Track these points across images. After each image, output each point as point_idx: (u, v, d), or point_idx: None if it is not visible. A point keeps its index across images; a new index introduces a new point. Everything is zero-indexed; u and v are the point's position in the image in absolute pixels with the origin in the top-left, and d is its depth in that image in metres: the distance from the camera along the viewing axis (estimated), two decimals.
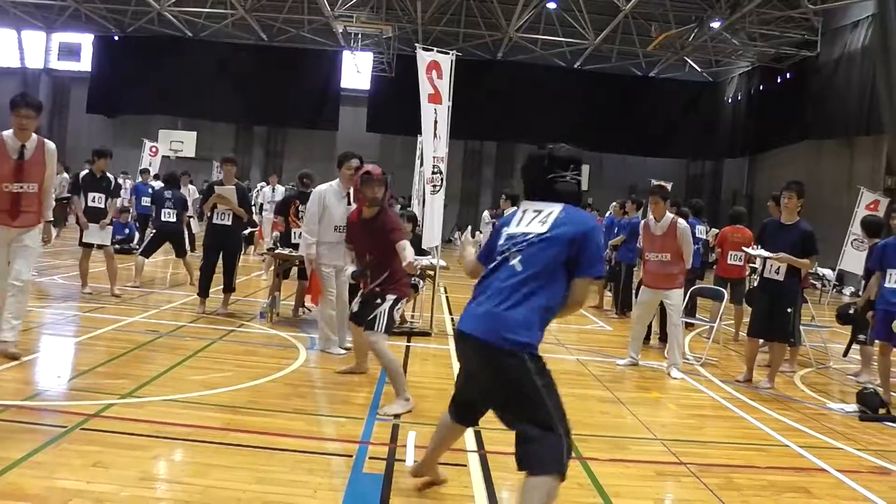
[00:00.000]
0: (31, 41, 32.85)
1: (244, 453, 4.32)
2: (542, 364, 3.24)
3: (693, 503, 4.18)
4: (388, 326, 5.70)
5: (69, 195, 11.04)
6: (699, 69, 30.22)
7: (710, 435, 5.65)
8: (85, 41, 32.51)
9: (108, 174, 10.13)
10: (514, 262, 3.28)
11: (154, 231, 12.12)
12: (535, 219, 3.40)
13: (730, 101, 29.74)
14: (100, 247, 10.06)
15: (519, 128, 28.94)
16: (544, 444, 3.11)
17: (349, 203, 7.24)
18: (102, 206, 9.96)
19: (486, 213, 25.29)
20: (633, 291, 10.40)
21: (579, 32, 26.80)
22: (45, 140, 6.33)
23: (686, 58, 28.38)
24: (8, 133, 6.10)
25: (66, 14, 30.76)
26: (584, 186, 29.46)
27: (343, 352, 7.31)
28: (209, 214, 9.28)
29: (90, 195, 9.89)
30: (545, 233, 3.30)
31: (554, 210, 3.39)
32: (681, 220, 7.88)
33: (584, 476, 4.38)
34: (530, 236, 3.32)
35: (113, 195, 10.13)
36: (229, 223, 9.21)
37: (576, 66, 30.36)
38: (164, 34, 30.70)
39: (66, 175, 19.32)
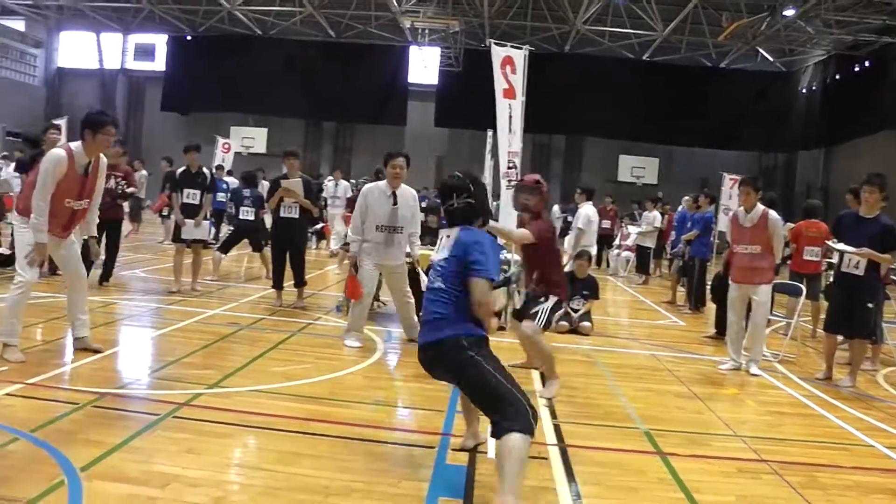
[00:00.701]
0: (109, 43, 33.94)
1: (328, 443, 4.44)
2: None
3: (776, 500, 4.14)
4: (546, 324, 6.04)
5: (154, 192, 11.33)
6: (771, 59, 29.50)
7: (790, 433, 5.56)
8: (159, 42, 33.48)
9: (204, 169, 10.27)
10: (438, 283, 4.05)
11: (232, 228, 12.43)
12: (443, 246, 4.14)
13: (804, 90, 28.96)
14: (193, 242, 10.15)
15: (587, 121, 28.82)
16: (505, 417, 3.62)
17: (395, 203, 7.30)
18: (197, 202, 10.03)
19: (555, 208, 25.15)
20: (708, 287, 10.27)
21: (648, 24, 26.45)
22: (100, 155, 6.17)
23: (758, 47, 27.74)
24: (77, 147, 5.90)
25: (141, 16, 31.67)
26: (653, 180, 29.40)
27: (358, 345, 7.29)
28: (276, 208, 9.44)
29: (185, 191, 10.00)
30: (447, 257, 4.04)
31: (452, 234, 4.09)
32: (772, 212, 7.50)
33: (665, 471, 4.39)
34: (439, 261, 4.10)
35: (208, 191, 10.24)
36: (296, 216, 9.36)
37: (644, 58, 29.95)
38: (235, 33, 31.36)
39: (143, 172, 19.89)
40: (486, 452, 4.41)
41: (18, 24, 33.04)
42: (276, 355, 6.74)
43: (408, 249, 7.59)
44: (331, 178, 19.91)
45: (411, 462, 4.29)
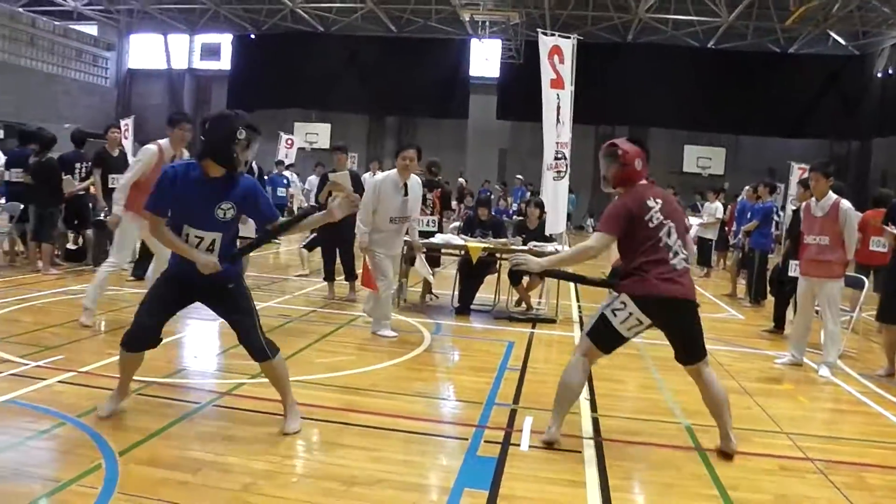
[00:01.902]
0: (176, 44, 34.84)
1: (362, 433, 4.49)
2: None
3: (817, 501, 4.00)
4: None
5: None
6: (844, 42, 28.51)
7: (842, 431, 5.39)
8: (224, 41, 34.21)
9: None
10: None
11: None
12: None
13: (879, 74, 27.87)
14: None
15: (651, 111, 28.24)
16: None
17: (405, 195, 7.42)
18: None
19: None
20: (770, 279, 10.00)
21: (712, 10, 25.82)
22: (184, 151, 7.11)
23: (829, 31, 26.85)
24: (165, 143, 6.90)
25: (206, 16, 32.37)
26: (720, 171, 28.77)
27: (393, 334, 7.37)
28: (324, 202, 9.53)
29: None
30: None
31: None
32: (844, 201, 7.10)
33: (702, 467, 4.30)
34: None
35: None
36: None
37: (709, 45, 29.26)
38: (297, 30, 31.80)
39: None
40: (518, 445, 4.39)
41: (91, 29, 34.20)
42: (322, 347, 6.83)
43: (406, 237, 7.88)
44: (367, 170, 20.03)
45: (442, 453, 4.30)
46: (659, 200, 4.48)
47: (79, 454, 3.86)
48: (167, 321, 4.50)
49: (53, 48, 32.08)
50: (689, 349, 4.49)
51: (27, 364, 5.54)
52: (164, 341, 6.34)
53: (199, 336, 7.23)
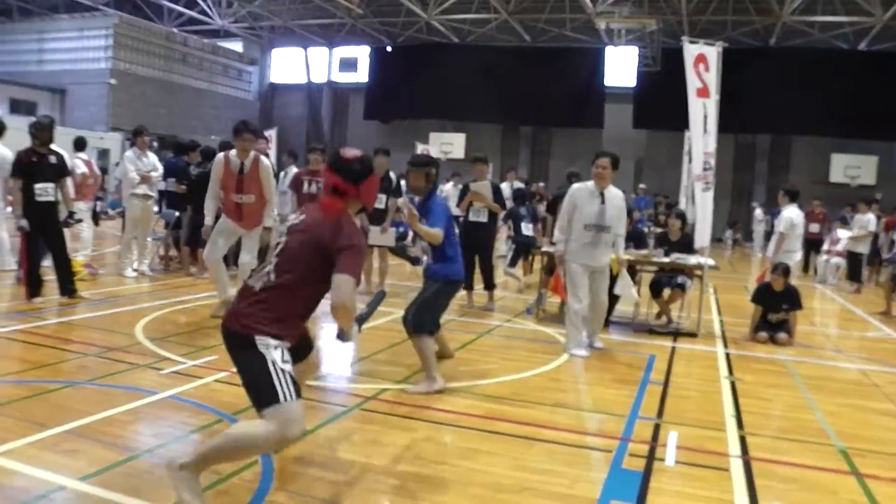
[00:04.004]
0: (316, 58, 36.18)
1: (505, 441, 4.53)
2: None
3: None
4: None
5: None
6: None
7: None
8: (361, 54, 35.27)
9: (391, 173, 10.24)
10: None
11: (514, 245, 12.59)
12: None
13: None
14: (378, 247, 10.31)
15: (795, 118, 26.87)
16: None
17: (602, 202, 7.28)
18: (383, 206, 10.06)
19: (758, 211, 24.04)
20: None
21: (864, 9, 24.38)
22: (261, 157, 7.74)
23: None
24: (232, 153, 7.61)
25: (344, 30, 33.42)
26: (870, 180, 27.17)
27: (586, 353, 7.21)
28: (465, 213, 9.65)
29: None
30: None
31: None
32: None
33: (860, 493, 4.09)
34: None
35: (394, 195, 10.25)
36: (484, 220, 9.53)
37: (860, 47, 27.72)
38: (432, 42, 32.35)
39: None
40: (663, 460, 4.33)
41: (236, 45, 36.12)
42: (463, 355, 6.92)
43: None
44: (503, 180, 19.98)
45: (587, 465, 4.29)
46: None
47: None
48: None
49: (202, 64, 34.00)
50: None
51: (185, 363, 5.91)
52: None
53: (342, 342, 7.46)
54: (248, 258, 7.84)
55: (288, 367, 3.33)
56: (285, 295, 3.42)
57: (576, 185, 7.63)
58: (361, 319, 3.70)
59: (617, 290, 7.73)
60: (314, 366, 4.07)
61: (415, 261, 6.94)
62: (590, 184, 7.40)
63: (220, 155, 7.73)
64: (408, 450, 4.28)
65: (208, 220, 7.74)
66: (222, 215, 7.79)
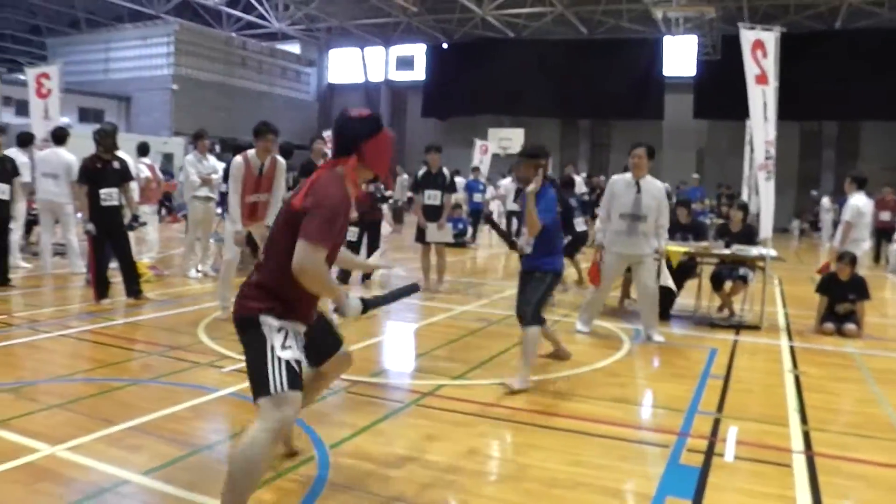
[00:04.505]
0: (373, 57, 36.52)
1: (561, 436, 4.51)
2: None
3: None
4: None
5: (410, 195, 11.68)
6: None
7: None
8: (418, 52, 35.50)
9: (444, 170, 10.24)
10: None
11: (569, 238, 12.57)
12: None
13: None
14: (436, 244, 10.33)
15: (864, 103, 25.97)
16: None
17: (638, 192, 7.34)
18: (438, 203, 10.10)
19: (825, 200, 23.35)
20: None
21: None
22: (277, 157, 7.68)
23: None
24: (252, 153, 7.46)
25: (400, 29, 33.66)
26: None
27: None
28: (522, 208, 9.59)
29: (426, 192, 10.13)
30: None
31: None
32: None
33: None
34: None
35: (448, 191, 10.24)
36: None
37: None
38: (488, 38, 32.33)
39: (405, 175, 21.08)
40: (722, 455, 4.24)
41: (294, 47, 36.70)
42: (520, 350, 6.87)
43: (654, 244, 7.51)
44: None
45: (643, 460, 4.23)
46: None
47: (294, 446, 4.13)
48: None
49: (261, 67, 34.60)
50: None
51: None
52: (367, 342, 6.73)
53: (401, 338, 7.53)
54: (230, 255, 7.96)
55: (287, 353, 3.17)
56: (275, 270, 3.22)
57: (615, 177, 7.83)
58: (374, 303, 3.50)
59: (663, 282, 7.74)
60: (344, 361, 3.83)
61: (513, 245, 6.99)
62: (627, 175, 7.53)
63: (239, 157, 7.50)
64: (463, 445, 4.28)
65: (237, 225, 7.46)
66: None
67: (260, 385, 3.14)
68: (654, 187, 7.47)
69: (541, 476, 3.86)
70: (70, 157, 9.99)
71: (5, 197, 9.35)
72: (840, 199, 17.71)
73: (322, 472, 3.80)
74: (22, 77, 13.61)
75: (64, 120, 12.96)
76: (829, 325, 8.16)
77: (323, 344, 3.65)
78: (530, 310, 5.72)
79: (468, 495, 3.61)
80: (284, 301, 3.23)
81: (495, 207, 20.43)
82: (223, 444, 4.13)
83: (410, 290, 3.84)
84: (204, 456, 3.98)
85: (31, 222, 12.94)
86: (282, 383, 3.10)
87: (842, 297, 8.22)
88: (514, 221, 15.47)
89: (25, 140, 11.30)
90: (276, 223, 3.33)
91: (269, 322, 3.19)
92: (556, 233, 5.90)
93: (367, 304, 3.42)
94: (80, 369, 5.70)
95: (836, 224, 13.93)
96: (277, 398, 3.09)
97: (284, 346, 3.17)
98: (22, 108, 20.58)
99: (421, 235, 10.23)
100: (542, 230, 5.71)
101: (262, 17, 31.99)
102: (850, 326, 8.08)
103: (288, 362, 3.14)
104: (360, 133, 3.33)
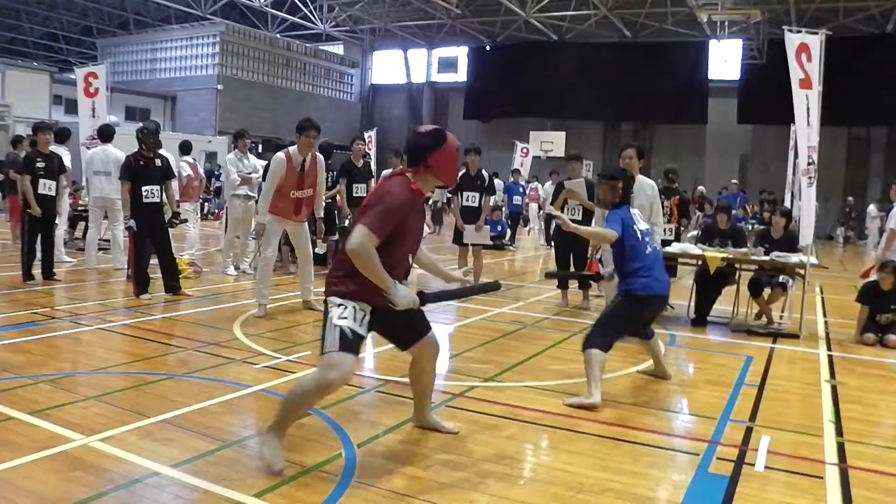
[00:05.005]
0: (415, 59, 36.70)
1: (590, 441, 4.48)
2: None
3: None
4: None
5: (449, 196, 11.63)
6: None
7: None
8: (461, 54, 35.59)
9: (483, 171, 10.15)
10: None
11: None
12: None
13: None
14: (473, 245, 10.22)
15: None
16: None
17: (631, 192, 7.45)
18: (476, 204, 9.97)
19: (871, 207, 22.90)
20: None
21: None
22: (316, 154, 7.98)
23: None
24: (294, 150, 7.75)
25: (443, 31, 33.76)
26: None
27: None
28: (561, 209, 9.55)
29: (464, 194, 10.01)
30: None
31: None
32: None
33: None
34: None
35: (487, 193, 10.11)
36: (579, 218, 9.39)
37: None
38: (531, 40, 32.28)
39: None
40: (753, 464, 4.18)
41: (338, 49, 37.06)
42: (554, 353, 6.88)
43: None
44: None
45: (672, 467, 4.19)
46: None
47: (323, 443, 4.18)
48: None
49: (305, 68, 34.96)
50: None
51: (279, 357, 6.11)
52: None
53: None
54: (307, 248, 8.30)
55: (342, 322, 3.70)
56: (345, 260, 3.74)
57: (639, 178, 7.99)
58: (436, 297, 3.93)
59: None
60: (431, 347, 4.25)
61: (596, 277, 7.28)
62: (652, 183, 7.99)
63: (281, 154, 7.80)
64: (491, 447, 4.27)
65: (262, 217, 7.92)
66: (269, 215, 7.91)
67: (321, 346, 3.74)
68: (647, 186, 7.88)
69: (568, 480, 3.84)
70: (119, 153, 10.19)
71: (51, 193, 9.56)
72: (887, 206, 17.36)
73: (347, 471, 3.82)
74: (72, 76, 13.92)
75: (112, 118, 13.23)
76: (870, 336, 7.99)
77: (407, 330, 4.12)
78: (588, 332, 5.63)
79: (494, 497, 3.61)
80: (357, 280, 3.71)
81: (533, 210, 20.38)
82: (252, 440, 4.17)
83: (490, 287, 4.19)
84: (233, 451, 4.03)
85: (76, 217, 13.24)
86: (333, 345, 3.67)
87: (883, 307, 8.05)
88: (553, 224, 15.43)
89: (64, 135, 11.53)
90: (352, 220, 4.00)
91: (334, 300, 3.78)
92: (625, 252, 5.59)
93: (426, 298, 3.82)
94: (118, 362, 5.81)
95: (881, 231, 13.66)
96: (329, 359, 3.66)
97: (341, 317, 3.71)
98: (71, 107, 21.12)
99: (459, 237, 10.18)
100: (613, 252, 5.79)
101: (306, 18, 32.30)
102: (892, 337, 7.91)
103: (341, 328, 3.69)
104: (425, 146, 3.82)
